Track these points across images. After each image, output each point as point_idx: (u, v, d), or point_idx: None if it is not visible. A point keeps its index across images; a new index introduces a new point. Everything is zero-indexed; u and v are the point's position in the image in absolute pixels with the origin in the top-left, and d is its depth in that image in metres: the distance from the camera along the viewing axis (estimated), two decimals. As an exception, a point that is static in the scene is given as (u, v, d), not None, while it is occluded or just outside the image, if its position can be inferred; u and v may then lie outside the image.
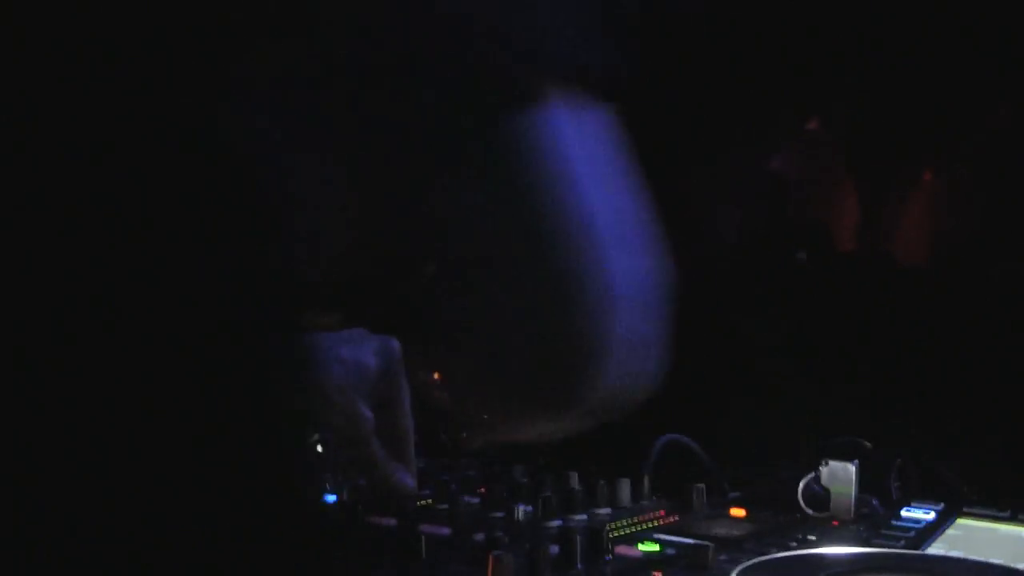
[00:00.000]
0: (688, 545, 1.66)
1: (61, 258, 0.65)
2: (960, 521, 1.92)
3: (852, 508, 1.93)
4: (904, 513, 1.95)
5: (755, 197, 11.15)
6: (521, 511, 1.82)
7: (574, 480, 2.08)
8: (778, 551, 1.61)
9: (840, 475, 1.93)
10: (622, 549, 1.62)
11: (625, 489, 2.02)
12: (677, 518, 1.93)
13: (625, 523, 1.84)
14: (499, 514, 1.87)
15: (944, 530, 1.85)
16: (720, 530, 1.81)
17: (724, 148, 9.95)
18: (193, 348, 0.71)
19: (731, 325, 4.70)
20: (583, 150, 0.85)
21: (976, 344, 3.56)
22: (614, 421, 0.98)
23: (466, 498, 1.98)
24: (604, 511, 1.95)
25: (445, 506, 1.90)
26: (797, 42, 8.70)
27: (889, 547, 1.70)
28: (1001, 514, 1.93)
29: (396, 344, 1.25)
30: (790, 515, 1.94)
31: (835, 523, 1.91)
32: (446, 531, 1.70)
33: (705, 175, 9.89)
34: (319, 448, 1.72)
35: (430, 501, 1.95)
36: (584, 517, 1.89)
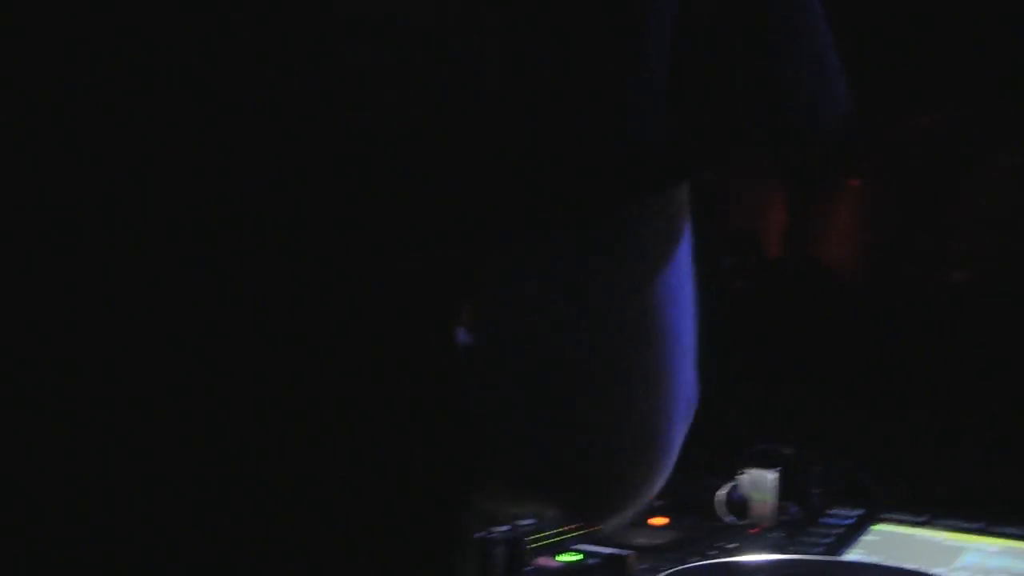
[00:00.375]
0: (608, 554, 1.66)
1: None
2: (878, 527, 1.93)
3: (772, 515, 1.94)
4: (823, 519, 1.96)
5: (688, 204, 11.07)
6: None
7: (497, 491, 2.07)
8: (698, 559, 1.62)
9: (760, 483, 1.93)
10: (542, 560, 1.62)
11: (547, 499, 2.01)
12: (599, 527, 1.93)
13: (547, 534, 1.83)
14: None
15: (862, 536, 1.86)
16: (641, 539, 1.80)
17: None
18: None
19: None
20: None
21: (896, 350, 3.61)
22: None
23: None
24: (527, 522, 1.94)
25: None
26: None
27: (808, 553, 1.71)
28: (918, 519, 1.94)
29: None
30: (711, 523, 1.94)
31: (755, 530, 1.91)
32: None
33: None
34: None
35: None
36: (507, 528, 1.88)
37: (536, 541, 1.76)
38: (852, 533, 1.86)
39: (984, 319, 4.30)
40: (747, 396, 2.87)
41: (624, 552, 1.58)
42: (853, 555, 1.74)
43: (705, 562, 1.58)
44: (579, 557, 1.66)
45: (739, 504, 1.94)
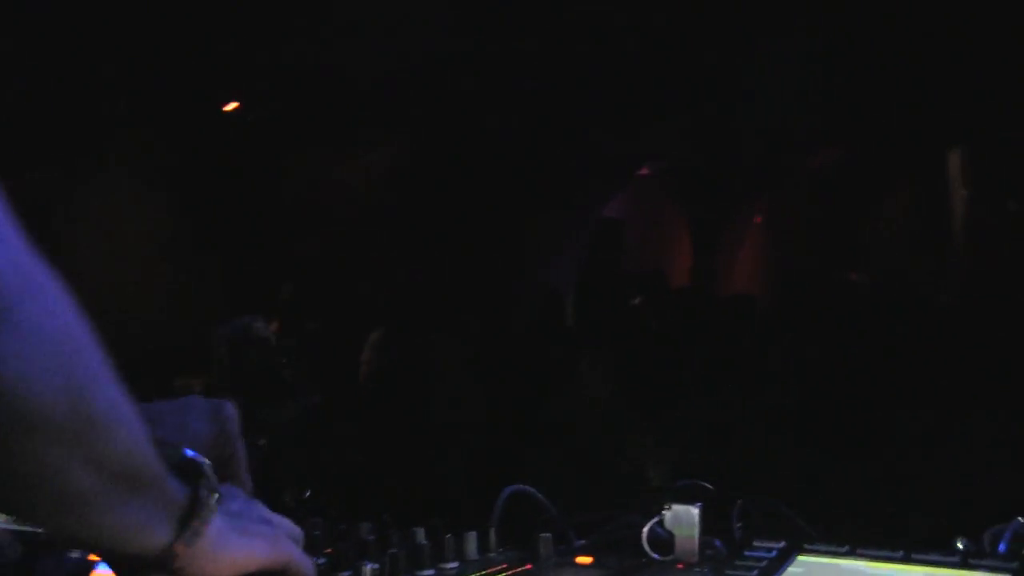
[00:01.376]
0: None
1: None
2: (801, 558, 1.92)
3: (696, 550, 1.93)
4: (747, 553, 1.96)
5: (591, 244, 11.25)
6: (369, 570, 1.77)
7: (420, 535, 2.04)
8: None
9: (683, 518, 1.92)
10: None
11: (472, 542, 1.98)
12: (527, 568, 1.91)
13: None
14: (346, 574, 1.82)
15: (786, 568, 1.86)
16: (568, 579, 1.79)
17: (560, 198, 9.98)
18: None
19: (571, 376, 4.73)
20: None
21: (813, 386, 3.65)
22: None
23: (314, 559, 1.93)
24: (452, 565, 1.91)
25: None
26: (636, 92, 8.76)
27: (734, 588, 1.71)
28: (840, 549, 1.95)
29: (231, 408, 1.21)
30: (636, 560, 1.93)
31: (680, 566, 1.90)
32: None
33: (542, 225, 9.89)
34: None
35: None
36: (432, 572, 1.85)
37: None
38: (776, 565, 1.86)
39: (893, 350, 4.37)
40: (665, 433, 2.89)
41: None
42: (779, 588, 1.73)
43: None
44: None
45: (664, 540, 1.92)
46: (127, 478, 0.95)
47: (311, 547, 2.00)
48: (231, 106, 8.96)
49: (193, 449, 1.11)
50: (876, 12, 8.14)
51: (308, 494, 2.93)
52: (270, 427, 3.71)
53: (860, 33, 8.47)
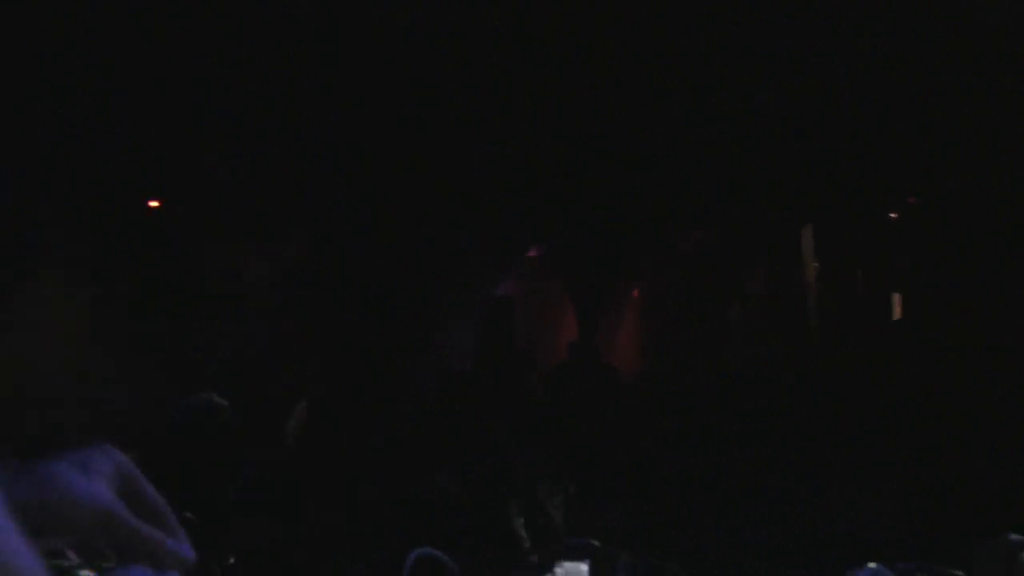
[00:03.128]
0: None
1: None
2: (680, 606, 1.95)
3: (587, 603, 1.94)
4: (632, 603, 1.97)
5: (485, 320, 11.24)
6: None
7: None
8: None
9: (573, 574, 1.94)
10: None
11: (384, 604, 1.98)
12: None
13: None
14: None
15: (666, 616, 1.88)
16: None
17: (457, 279, 9.98)
18: None
19: (481, 440, 4.73)
20: None
21: (692, 444, 3.68)
22: None
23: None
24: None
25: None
26: (524, 186, 8.86)
27: (621, 637, 1.71)
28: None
29: (111, 448, 1.17)
30: (532, 614, 1.94)
31: (572, 618, 1.91)
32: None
33: (442, 304, 9.87)
34: None
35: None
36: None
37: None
38: (658, 614, 1.88)
39: (761, 411, 4.43)
40: (557, 493, 2.89)
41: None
42: (661, 635, 1.75)
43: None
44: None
45: (557, 596, 1.93)
46: None
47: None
48: (154, 203, 8.91)
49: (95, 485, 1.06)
50: (735, 115, 8.50)
51: (232, 561, 2.88)
52: (207, 496, 3.63)
53: (723, 133, 8.80)
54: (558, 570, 1.94)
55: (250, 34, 6.72)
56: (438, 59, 7.02)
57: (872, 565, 1.85)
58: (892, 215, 13.15)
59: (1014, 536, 1.95)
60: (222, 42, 6.76)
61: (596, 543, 2.10)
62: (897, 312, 13.72)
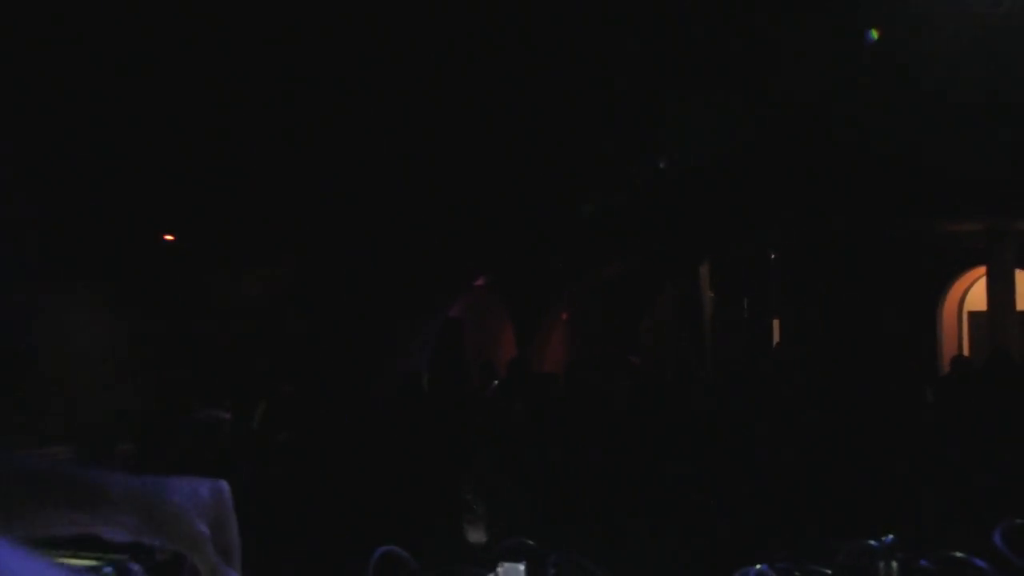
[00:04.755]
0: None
1: None
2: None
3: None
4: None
5: (438, 339, 11.04)
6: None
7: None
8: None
9: (512, 575, 1.91)
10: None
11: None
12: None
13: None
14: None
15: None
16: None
17: (415, 304, 9.81)
18: None
19: (432, 444, 4.68)
20: None
21: (618, 451, 3.66)
22: None
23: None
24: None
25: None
26: (470, 223, 8.72)
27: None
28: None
29: (226, 484, 1.16)
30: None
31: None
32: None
33: (402, 325, 9.69)
34: None
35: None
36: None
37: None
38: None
39: (665, 415, 4.43)
40: (500, 495, 2.86)
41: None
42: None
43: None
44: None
45: (496, 592, 1.91)
46: None
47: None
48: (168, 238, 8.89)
49: (199, 511, 1.06)
50: (647, 182, 8.91)
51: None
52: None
53: (639, 194, 9.17)
54: (499, 570, 1.92)
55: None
56: (392, 96, 6.88)
57: (759, 567, 1.85)
58: (772, 255, 13.74)
59: (872, 541, 1.96)
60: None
61: (531, 542, 2.07)
62: (776, 334, 14.06)
